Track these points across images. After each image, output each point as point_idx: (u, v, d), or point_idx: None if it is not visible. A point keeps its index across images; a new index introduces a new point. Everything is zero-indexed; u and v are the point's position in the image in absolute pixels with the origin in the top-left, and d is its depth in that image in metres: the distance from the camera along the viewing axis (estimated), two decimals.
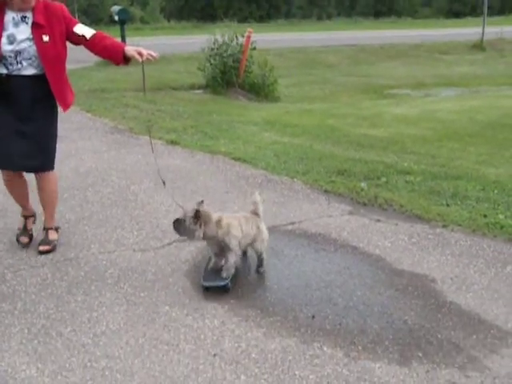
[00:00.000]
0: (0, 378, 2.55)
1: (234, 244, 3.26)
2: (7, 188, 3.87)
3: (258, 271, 3.50)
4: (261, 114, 9.07)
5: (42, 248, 3.79)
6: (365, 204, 4.63)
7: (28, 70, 3.48)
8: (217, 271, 3.31)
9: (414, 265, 3.57)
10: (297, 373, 2.55)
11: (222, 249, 3.29)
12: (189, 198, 4.45)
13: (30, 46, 3.44)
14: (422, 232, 4.06)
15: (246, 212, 3.52)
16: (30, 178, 3.85)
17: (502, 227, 4.08)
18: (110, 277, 3.47)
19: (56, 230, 3.97)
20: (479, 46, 21.19)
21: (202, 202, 3.20)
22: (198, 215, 3.12)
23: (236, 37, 11.28)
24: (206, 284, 3.27)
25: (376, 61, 18.57)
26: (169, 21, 43.66)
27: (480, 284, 3.32)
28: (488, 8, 22.16)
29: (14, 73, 3.45)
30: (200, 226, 3.14)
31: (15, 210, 4.06)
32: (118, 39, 11.62)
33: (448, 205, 4.55)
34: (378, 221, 4.27)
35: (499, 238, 3.94)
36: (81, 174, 5.49)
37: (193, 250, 3.77)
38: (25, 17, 3.46)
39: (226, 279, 3.25)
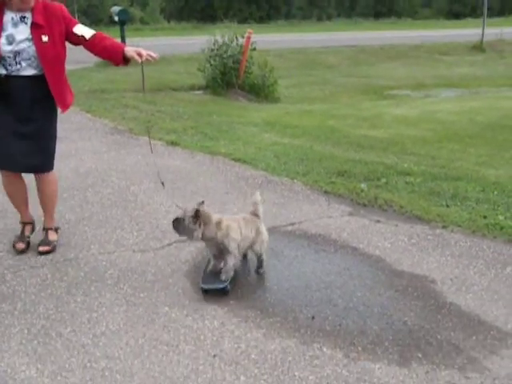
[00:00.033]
0: (0, 378, 2.55)
1: (232, 247, 3.24)
2: (6, 191, 3.85)
3: (257, 272, 3.50)
4: (261, 114, 9.07)
5: (41, 248, 3.79)
6: (365, 205, 4.63)
7: (27, 70, 3.47)
8: (216, 274, 3.30)
9: (413, 266, 3.57)
10: (296, 373, 2.55)
11: (220, 251, 3.28)
12: (189, 199, 4.45)
13: (29, 47, 3.43)
14: (422, 233, 4.06)
15: (245, 213, 3.51)
16: (29, 179, 3.84)
17: (501, 228, 4.08)
18: (109, 277, 3.46)
19: (56, 230, 3.97)
20: (479, 47, 21.20)
21: (203, 202, 3.18)
22: (197, 215, 3.11)
23: (236, 38, 11.28)
24: (205, 287, 3.25)
25: (376, 62, 18.58)
26: (169, 21, 43.70)
27: (480, 285, 3.32)
28: (488, 9, 22.18)
29: (14, 73, 3.44)
30: (199, 226, 3.13)
31: (15, 210, 4.05)
32: (118, 40, 11.62)
33: (448, 206, 4.55)
34: (378, 222, 4.28)
35: (499, 239, 3.94)
36: (81, 174, 5.49)
37: (193, 250, 3.77)
38: (24, 17, 3.45)
39: (225, 282, 3.24)
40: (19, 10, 3.44)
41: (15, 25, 3.43)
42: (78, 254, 3.79)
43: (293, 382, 2.49)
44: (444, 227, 4.15)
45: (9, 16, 3.43)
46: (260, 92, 11.44)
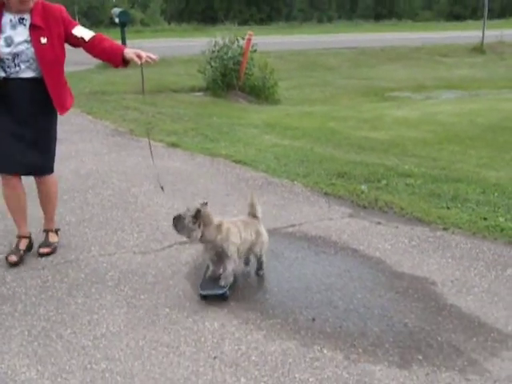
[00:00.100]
0: (0, 380, 2.55)
1: (232, 251, 3.20)
2: (6, 198, 3.73)
3: (257, 274, 3.49)
4: (261, 116, 9.08)
5: (42, 250, 3.79)
6: (365, 207, 4.63)
7: (26, 72, 3.44)
8: (215, 279, 3.25)
9: (414, 267, 3.57)
10: (297, 375, 2.54)
11: (219, 255, 3.22)
12: (189, 201, 4.45)
13: (27, 49, 3.40)
14: (423, 235, 4.05)
15: (244, 215, 3.48)
16: (29, 181, 3.83)
17: (502, 230, 4.08)
18: (110, 279, 3.47)
19: (56, 232, 3.97)
20: (479, 49, 21.19)
21: (206, 203, 3.14)
22: (198, 215, 3.07)
23: (237, 39, 11.29)
24: (204, 292, 3.21)
25: (376, 63, 18.58)
26: (169, 23, 43.77)
27: (480, 287, 3.31)
28: (488, 11, 22.17)
29: (12, 76, 3.42)
30: (199, 226, 3.09)
31: None
32: (119, 41, 11.62)
33: (448, 207, 4.55)
34: (379, 223, 4.27)
35: (499, 240, 3.94)
36: (81, 176, 5.49)
37: (193, 252, 3.77)
38: (23, 19, 3.42)
39: (224, 287, 3.20)
40: (18, 11, 3.41)
41: (14, 26, 3.40)
42: (78, 255, 3.79)
43: None
44: (444, 229, 4.15)
45: (7, 18, 3.40)
46: (260, 94, 11.45)
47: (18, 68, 3.42)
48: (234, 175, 5.50)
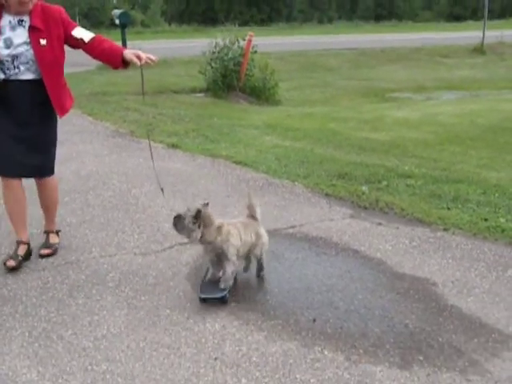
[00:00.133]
0: (1, 381, 2.55)
1: (231, 253, 3.17)
2: (6, 202, 3.69)
3: (258, 275, 3.48)
4: (262, 117, 9.08)
5: (42, 252, 3.79)
6: (366, 207, 4.63)
7: (26, 74, 3.43)
8: (214, 282, 3.23)
9: (415, 268, 3.57)
10: (298, 376, 2.54)
11: (218, 257, 3.20)
12: (190, 202, 4.45)
13: (27, 50, 3.38)
14: (423, 235, 4.05)
15: (244, 217, 3.45)
16: (30, 181, 3.83)
17: (503, 231, 4.07)
18: (110, 280, 3.47)
19: (57, 233, 3.97)
20: (480, 50, 21.20)
21: (208, 204, 3.13)
22: (198, 215, 3.05)
23: (237, 40, 11.29)
24: (203, 296, 3.18)
25: (377, 64, 18.59)
26: (170, 24, 43.80)
27: (481, 288, 3.31)
28: (488, 12, 22.19)
29: (12, 77, 3.40)
30: (199, 226, 3.07)
31: None
32: (119, 43, 11.63)
33: (449, 208, 4.55)
34: (379, 224, 4.27)
35: (500, 241, 3.94)
36: (82, 177, 5.49)
37: (194, 253, 3.77)
38: (22, 20, 3.40)
39: (224, 290, 3.18)
40: (17, 13, 3.39)
41: (13, 28, 3.38)
42: (79, 256, 3.79)
43: None
44: (445, 230, 4.15)
45: (6, 19, 3.39)
46: (261, 95, 11.44)
47: (17, 70, 3.40)
48: (234, 176, 5.50)
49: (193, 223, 3.06)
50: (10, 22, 3.39)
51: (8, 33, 3.37)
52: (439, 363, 2.63)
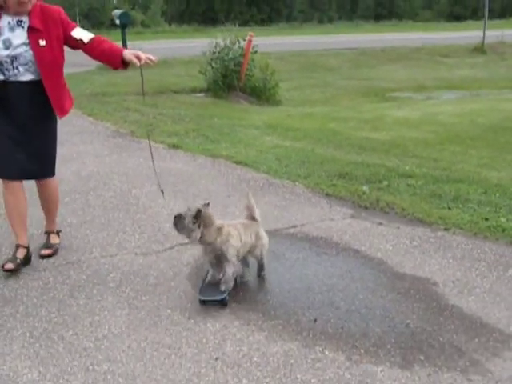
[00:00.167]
0: (2, 381, 2.55)
1: (231, 254, 3.15)
2: (6, 205, 3.65)
3: (259, 275, 3.48)
4: (262, 117, 9.08)
5: (43, 252, 3.79)
6: (366, 207, 4.63)
7: (25, 75, 3.40)
8: (214, 284, 3.21)
9: (415, 268, 3.57)
10: (299, 376, 2.54)
11: (218, 258, 3.18)
12: (191, 202, 4.45)
13: (26, 51, 3.36)
14: (424, 235, 4.05)
15: (243, 218, 3.44)
16: (30, 182, 3.82)
17: (503, 230, 4.07)
18: (111, 280, 3.47)
19: (57, 233, 3.97)
20: (480, 49, 21.19)
21: (208, 204, 3.12)
22: (198, 215, 3.04)
23: (238, 40, 11.30)
24: (203, 298, 3.16)
25: (377, 64, 18.59)
26: (170, 24, 43.82)
27: (482, 287, 3.31)
28: (489, 11, 22.18)
29: (11, 79, 3.37)
30: (199, 226, 3.05)
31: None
32: (119, 43, 11.64)
33: (450, 208, 4.55)
34: (380, 224, 4.27)
35: (501, 241, 3.94)
36: (82, 177, 5.50)
37: (195, 253, 3.77)
38: (21, 21, 3.38)
39: (224, 292, 3.15)
40: (16, 13, 3.37)
41: (12, 29, 3.36)
42: (80, 257, 3.80)
43: None
44: (446, 229, 4.15)
45: (5, 20, 3.36)
46: (261, 95, 11.45)
47: (16, 71, 3.37)
48: (235, 176, 5.50)
49: (193, 223, 3.05)
50: (8, 22, 3.37)
51: (7, 34, 3.35)
52: (440, 363, 2.63)
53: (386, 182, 5.18)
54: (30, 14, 3.39)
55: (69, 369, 2.63)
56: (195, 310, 3.11)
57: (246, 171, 5.65)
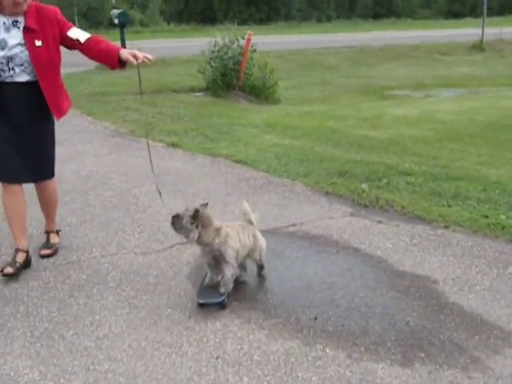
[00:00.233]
0: (3, 381, 2.55)
1: (230, 255, 3.11)
2: (6, 209, 3.60)
3: (259, 274, 3.47)
4: (261, 116, 9.08)
5: (43, 252, 3.78)
6: (366, 205, 4.63)
7: (21, 76, 3.35)
8: (213, 287, 3.17)
9: (415, 266, 3.57)
10: (299, 374, 2.55)
11: (216, 259, 3.15)
12: (190, 201, 4.45)
13: (21, 52, 3.32)
14: (424, 233, 4.06)
15: (241, 221, 3.41)
16: (29, 184, 3.80)
17: (503, 228, 4.08)
18: (111, 280, 3.47)
19: (57, 233, 3.97)
20: (479, 47, 21.20)
21: (207, 204, 3.09)
22: (196, 215, 3.01)
23: (237, 39, 11.29)
24: (201, 301, 3.12)
25: (376, 62, 18.59)
26: (168, 24, 43.83)
27: (482, 285, 3.32)
28: (487, 9, 22.19)
29: (7, 80, 3.33)
30: (197, 227, 3.02)
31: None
32: (118, 42, 11.62)
33: (449, 206, 4.55)
34: (380, 222, 4.28)
35: (501, 238, 3.94)
36: (82, 177, 5.49)
37: (194, 252, 3.77)
38: (16, 21, 3.33)
39: (223, 295, 3.11)
40: (11, 14, 3.32)
41: (7, 29, 3.31)
42: (80, 256, 3.80)
43: (296, 383, 2.49)
44: (445, 227, 4.15)
45: (1, 21, 3.32)
46: (260, 93, 11.44)
47: (12, 72, 3.33)
48: (234, 175, 5.50)
49: (191, 223, 3.01)
50: (4, 23, 3.32)
51: (2, 34, 3.30)
52: (441, 360, 2.63)
53: (385, 180, 5.19)
54: (25, 14, 3.35)
55: (70, 368, 2.63)
56: (195, 309, 3.11)
57: (245, 170, 5.65)
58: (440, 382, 2.49)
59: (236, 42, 11.28)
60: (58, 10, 3.50)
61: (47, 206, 3.87)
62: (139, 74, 3.57)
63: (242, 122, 8.26)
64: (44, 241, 3.90)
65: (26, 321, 3.03)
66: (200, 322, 2.98)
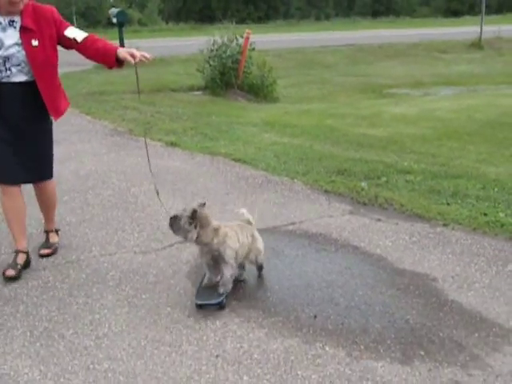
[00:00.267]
0: (3, 381, 2.55)
1: (229, 255, 3.09)
2: (5, 210, 3.58)
3: (259, 275, 3.46)
4: (260, 114, 9.08)
5: (43, 252, 3.78)
6: (365, 204, 4.63)
7: (18, 76, 3.32)
8: (211, 288, 3.16)
9: (415, 264, 3.57)
10: (299, 373, 2.55)
11: (215, 260, 3.13)
12: (189, 200, 4.45)
13: (18, 52, 3.28)
14: (423, 231, 4.06)
15: (239, 221, 3.40)
16: (28, 188, 3.78)
17: (502, 225, 4.08)
18: (111, 279, 3.47)
19: (56, 232, 3.97)
20: (477, 45, 21.21)
21: (204, 204, 3.06)
22: (194, 216, 2.99)
23: (236, 38, 11.28)
24: (200, 302, 3.10)
25: (374, 60, 18.59)
26: (167, 23, 43.84)
27: (481, 282, 3.32)
28: (486, 7, 22.19)
29: (4, 80, 3.29)
30: (195, 227, 3.01)
31: None
32: (116, 42, 11.61)
33: (448, 204, 4.55)
34: (379, 220, 4.28)
35: (500, 236, 3.95)
36: (81, 176, 5.49)
37: (194, 251, 3.77)
38: (13, 21, 3.30)
39: (222, 295, 3.09)
40: (7, 13, 3.29)
41: (4, 29, 3.28)
42: (79, 255, 3.80)
43: (296, 382, 2.50)
44: (445, 225, 4.15)
45: None
46: (259, 92, 11.44)
47: (9, 72, 3.29)
48: (233, 174, 5.50)
49: (189, 224, 2.99)
50: (0, 22, 3.30)
51: None
52: (440, 358, 2.64)
53: (384, 178, 5.19)
54: (21, 13, 3.31)
55: (69, 367, 2.63)
56: (195, 307, 3.11)
57: (244, 168, 5.65)
58: (440, 379, 2.49)
59: (235, 41, 11.28)
60: (54, 9, 3.48)
61: (46, 206, 3.86)
62: (137, 73, 3.54)
63: (240, 121, 8.26)
64: (43, 240, 3.90)
65: (26, 320, 3.03)
66: (200, 321, 2.98)
